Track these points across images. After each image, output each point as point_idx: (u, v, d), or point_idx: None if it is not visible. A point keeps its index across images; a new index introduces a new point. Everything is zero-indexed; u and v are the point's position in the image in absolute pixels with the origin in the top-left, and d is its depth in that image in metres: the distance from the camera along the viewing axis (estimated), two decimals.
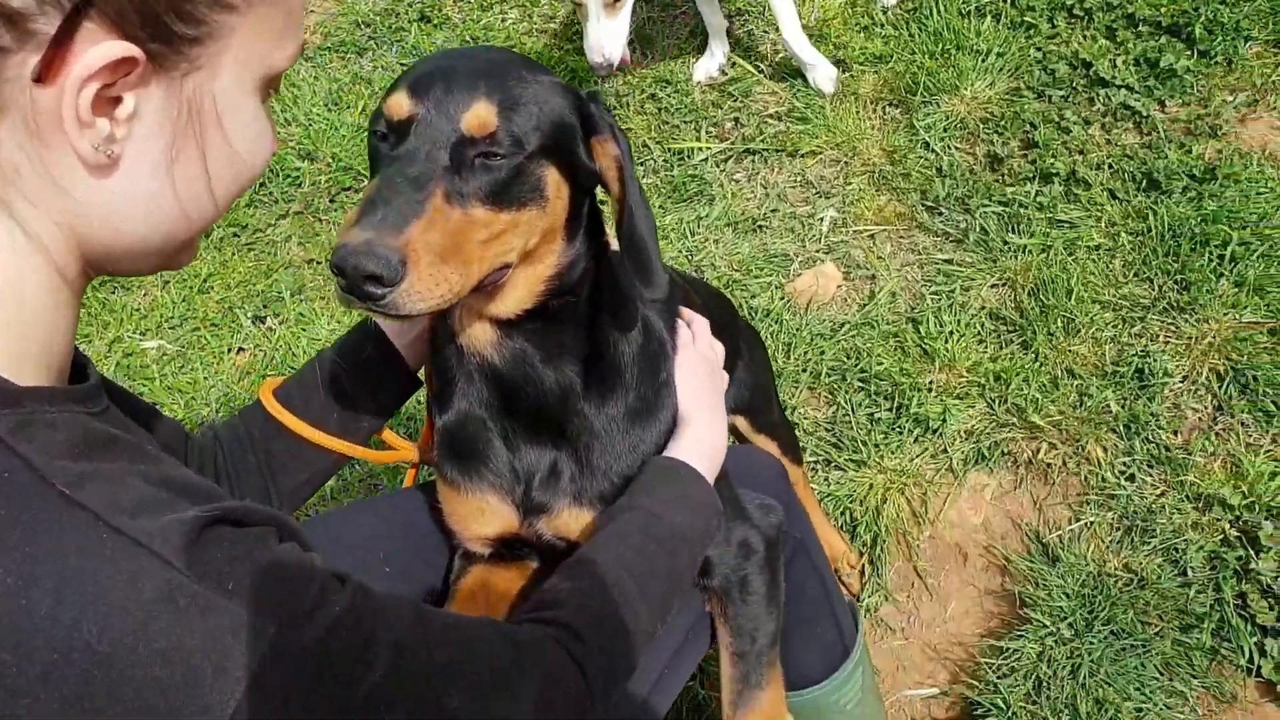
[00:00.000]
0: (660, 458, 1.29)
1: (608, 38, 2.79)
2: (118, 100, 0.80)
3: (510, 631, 1.02)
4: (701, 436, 1.32)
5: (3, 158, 0.79)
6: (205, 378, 2.89)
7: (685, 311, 1.47)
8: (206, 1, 0.81)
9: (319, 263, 3.12)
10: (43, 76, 0.76)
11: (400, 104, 1.03)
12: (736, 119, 3.12)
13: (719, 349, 1.51)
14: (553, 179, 1.09)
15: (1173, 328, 2.40)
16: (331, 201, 3.25)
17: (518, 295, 1.15)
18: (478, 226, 1.01)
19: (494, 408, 1.25)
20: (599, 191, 1.20)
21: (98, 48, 0.76)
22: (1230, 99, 2.78)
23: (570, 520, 1.27)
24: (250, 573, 0.76)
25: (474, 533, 1.31)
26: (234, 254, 3.26)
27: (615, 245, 1.22)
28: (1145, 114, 2.78)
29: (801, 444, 2.42)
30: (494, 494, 1.28)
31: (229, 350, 2.96)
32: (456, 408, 1.27)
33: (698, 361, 1.40)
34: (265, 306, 3.03)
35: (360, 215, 0.95)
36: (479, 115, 1.01)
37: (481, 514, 1.29)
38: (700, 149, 3.06)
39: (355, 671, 0.82)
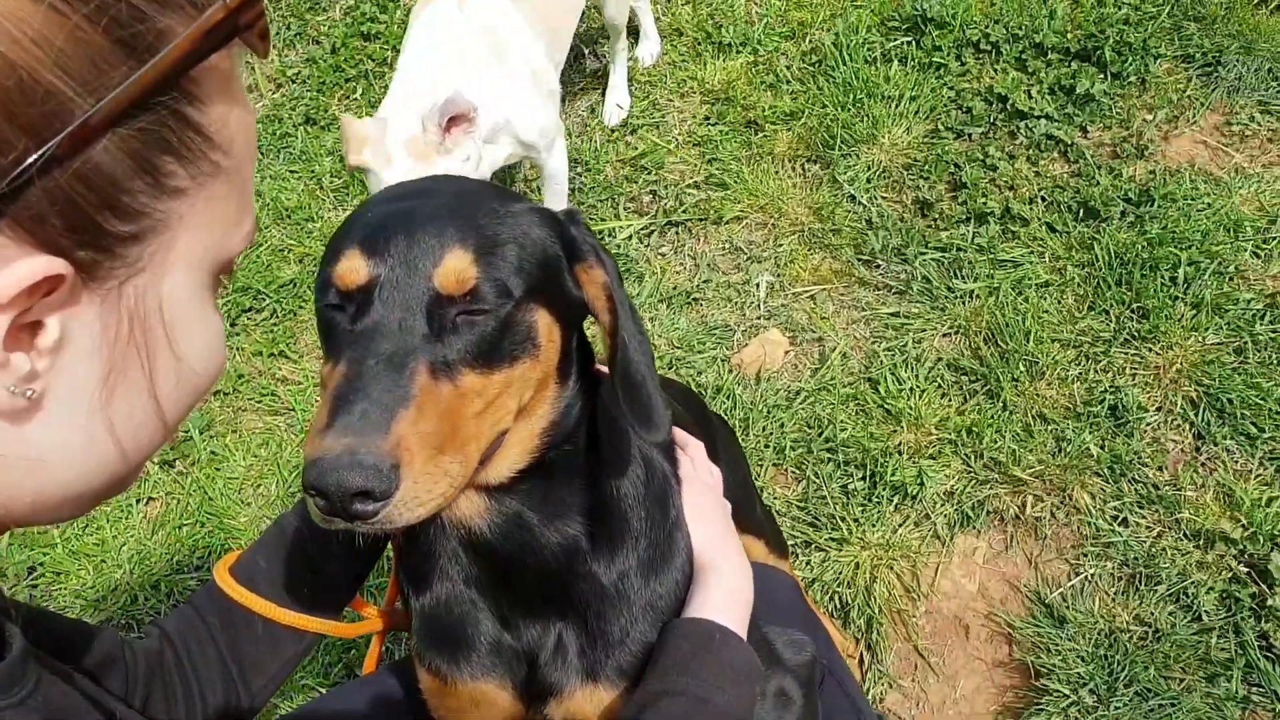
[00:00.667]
0: (689, 620, 1.11)
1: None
2: (38, 326, 0.59)
3: None
4: (729, 586, 1.15)
5: None
6: (114, 536, 2.63)
7: (678, 433, 1.31)
8: (147, 190, 0.61)
9: (225, 393, 2.90)
10: None
11: (355, 269, 0.85)
12: (654, 192, 3.00)
13: (717, 474, 1.36)
14: (544, 323, 0.92)
15: (1138, 358, 2.31)
16: (232, 325, 3.03)
17: (511, 457, 0.97)
18: (471, 398, 0.84)
19: (484, 584, 1.07)
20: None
21: (9, 269, 0.56)
22: (1150, 117, 2.75)
23: (585, 702, 1.08)
24: None
25: None
26: None
27: (604, 369, 1.06)
28: (1069, 142, 2.73)
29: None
30: (491, 682, 1.09)
31: (137, 502, 2.70)
32: (436, 591, 1.08)
33: (705, 494, 1.24)
34: (172, 449, 2.79)
35: (332, 415, 0.77)
36: (455, 269, 0.85)
37: (477, 707, 1.10)
38: (621, 226, 2.92)
39: None
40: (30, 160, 0.53)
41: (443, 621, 1.08)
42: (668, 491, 1.16)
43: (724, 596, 1.12)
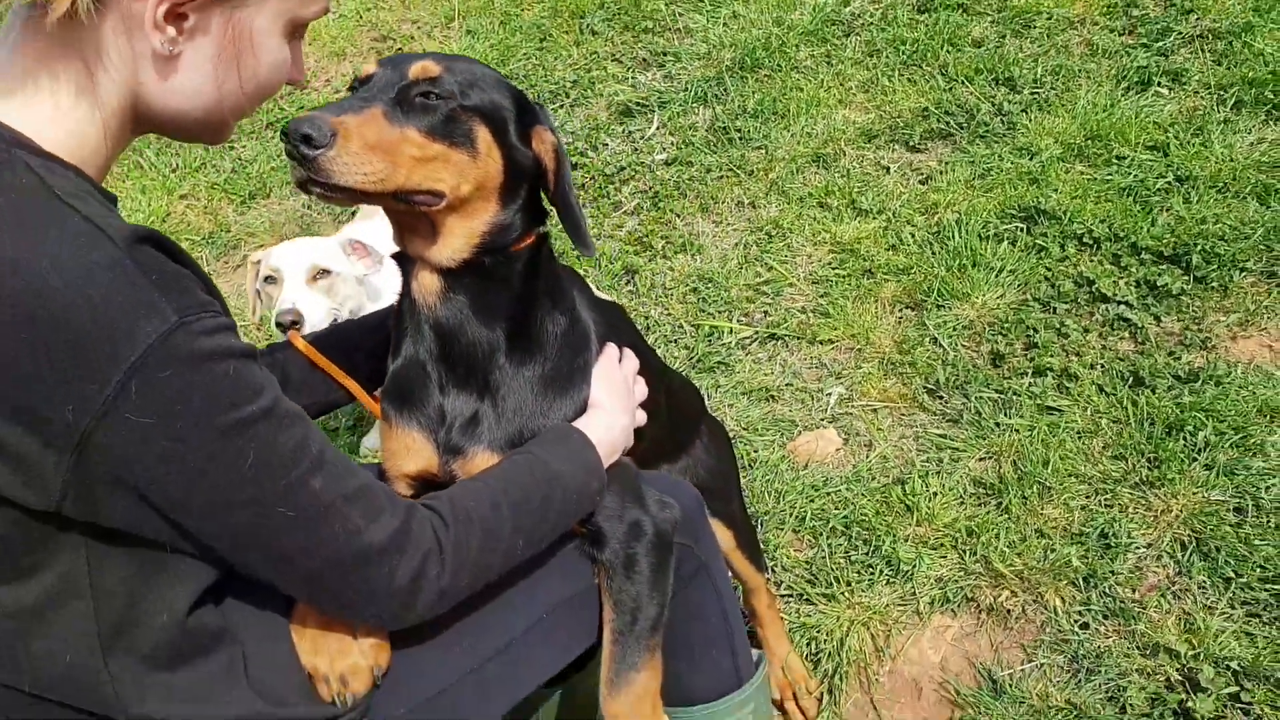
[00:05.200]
0: (561, 424, 1.49)
1: (309, 303, 2.72)
2: (185, 16, 1.14)
3: (393, 492, 1.22)
4: (605, 421, 1.51)
5: (104, 41, 1.11)
6: None
7: (624, 348, 1.69)
8: None
9: None
10: None
11: (368, 66, 1.34)
12: (766, 311, 3.42)
13: (642, 390, 1.70)
14: (484, 135, 1.36)
15: (1142, 500, 2.49)
16: None
17: (455, 243, 1.40)
18: (409, 143, 1.28)
19: (434, 355, 1.47)
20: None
21: None
22: (1223, 319, 2.96)
23: (481, 464, 1.46)
24: (182, 287, 1.01)
25: (399, 469, 1.51)
26: None
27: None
28: (1140, 325, 2.97)
29: (779, 580, 2.54)
30: (420, 433, 1.49)
31: None
32: (405, 354, 1.50)
33: (617, 372, 1.61)
34: None
35: (315, 111, 1.25)
36: (425, 65, 1.32)
37: (407, 451, 1.49)
38: (730, 330, 3.34)
39: (239, 399, 1.03)
40: None
41: (402, 381, 1.49)
42: (584, 344, 1.54)
43: (597, 426, 1.48)
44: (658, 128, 4.40)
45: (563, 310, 1.53)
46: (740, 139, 4.19)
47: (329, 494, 1.11)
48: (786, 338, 3.29)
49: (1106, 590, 2.31)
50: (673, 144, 4.30)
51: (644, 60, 4.75)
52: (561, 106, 4.65)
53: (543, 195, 1.50)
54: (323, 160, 1.19)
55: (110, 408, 0.95)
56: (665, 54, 4.70)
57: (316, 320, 2.71)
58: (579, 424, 1.47)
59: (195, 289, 1.03)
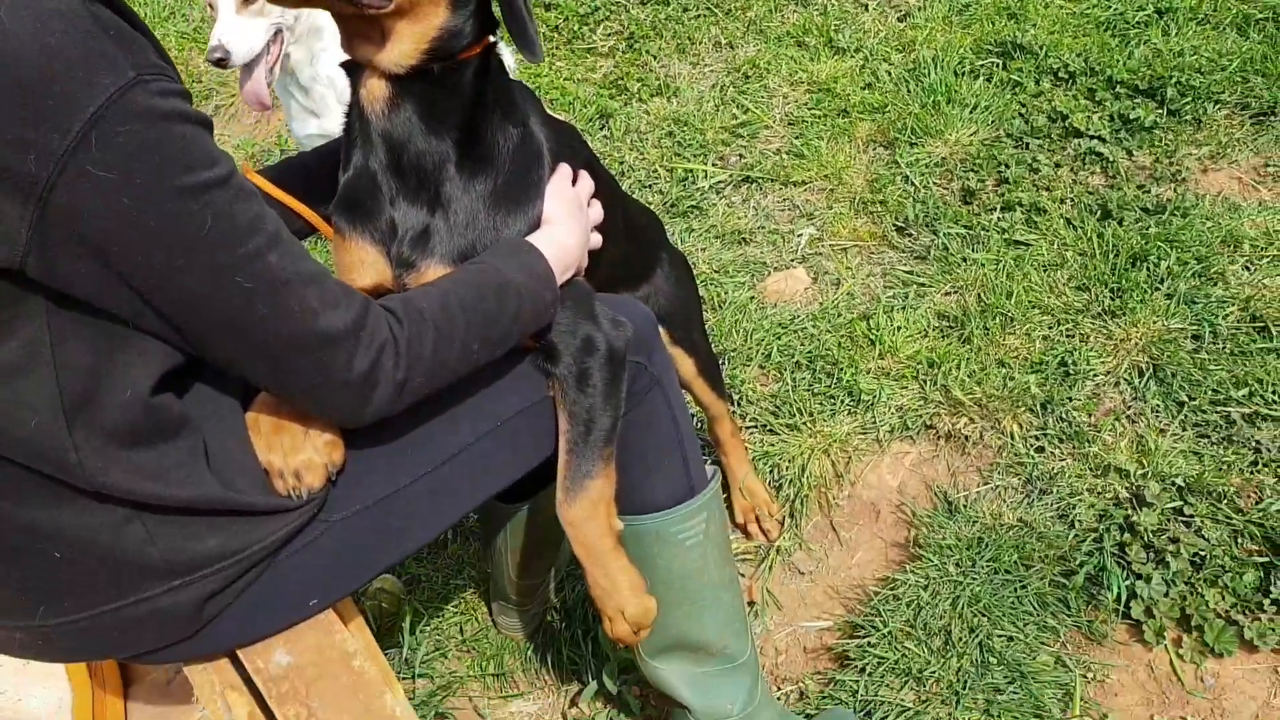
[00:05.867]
0: (514, 237, 1.50)
1: (235, 34, 2.71)
2: None
3: (348, 286, 1.24)
4: (558, 236, 1.52)
5: None
6: None
7: (579, 170, 1.69)
8: None
9: None
10: None
11: None
12: (741, 154, 3.40)
13: (597, 211, 1.70)
14: None
15: (1103, 330, 2.53)
16: None
17: (403, 48, 1.38)
18: None
19: (384, 166, 1.46)
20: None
21: None
22: (1195, 152, 2.95)
23: (432, 277, 1.48)
24: (139, 47, 1.01)
25: (352, 282, 1.52)
26: None
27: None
28: (1112, 159, 2.96)
29: (743, 412, 2.59)
30: (373, 247, 1.50)
31: None
32: (354, 165, 1.50)
33: (570, 190, 1.61)
34: None
35: None
36: None
37: (361, 265, 1.51)
38: (704, 173, 3.33)
39: (195, 164, 1.04)
40: None
41: (353, 193, 1.50)
42: (536, 160, 1.54)
43: (548, 239, 1.50)
44: None
45: (514, 123, 1.52)
46: None
47: (285, 271, 1.12)
48: (760, 180, 3.28)
49: (1063, 416, 2.37)
50: None
51: None
52: None
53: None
54: None
55: (70, 158, 0.96)
56: None
57: (245, 51, 2.74)
58: (532, 238, 1.49)
59: (151, 52, 1.03)
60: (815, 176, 3.23)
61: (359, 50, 1.41)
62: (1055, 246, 2.77)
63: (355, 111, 1.48)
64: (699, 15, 3.96)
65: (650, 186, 3.39)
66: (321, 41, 2.90)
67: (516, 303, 1.40)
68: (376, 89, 1.42)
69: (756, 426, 2.57)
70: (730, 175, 3.33)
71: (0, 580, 1.19)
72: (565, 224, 1.53)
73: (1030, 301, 2.63)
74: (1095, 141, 3.02)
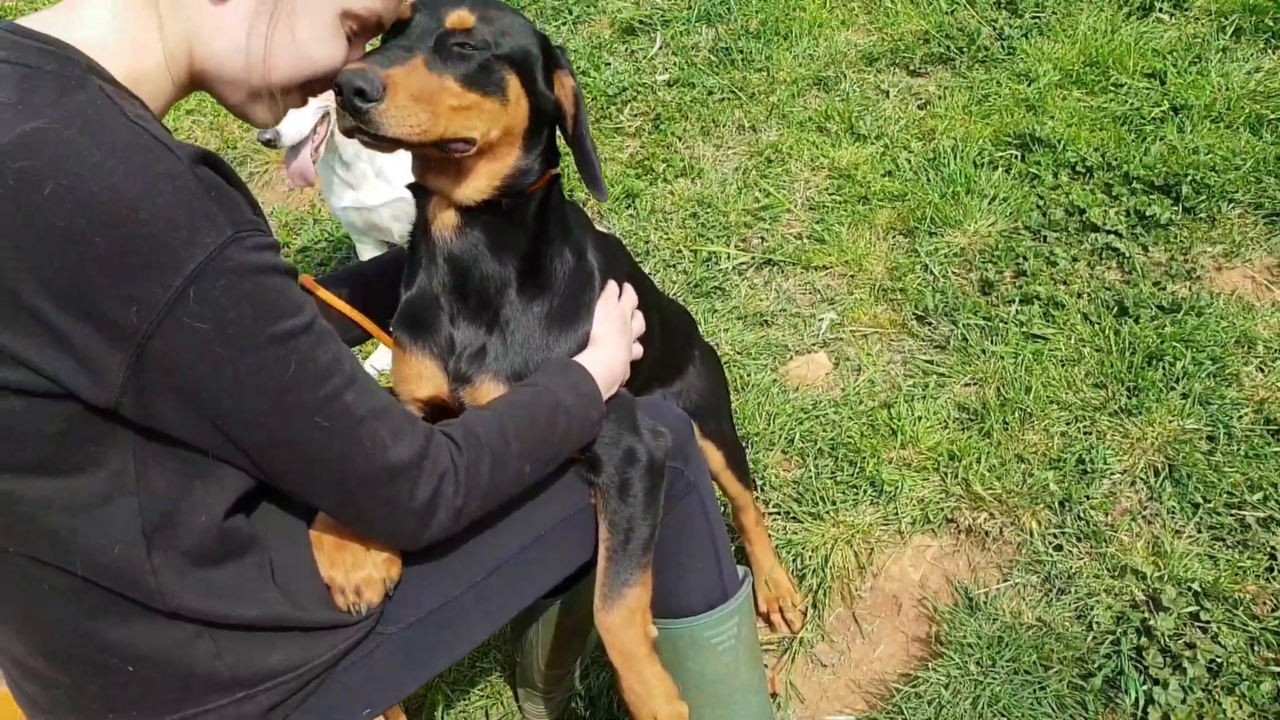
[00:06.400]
0: (563, 357, 1.57)
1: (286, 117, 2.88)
2: None
3: (412, 415, 1.30)
4: (604, 356, 1.60)
5: None
6: None
7: (623, 283, 1.77)
8: None
9: None
10: None
11: (405, 9, 1.39)
12: (763, 237, 3.47)
13: (640, 324, 1.78)
14: (514, 84, 1.43)
15: (1120, 428, 2.58)
16: None
17: (478, 184, 1.47)
18: (448, 93, 1.35)
19: (447, 287, 1.55)
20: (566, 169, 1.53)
21: None
22: (1209, 249, 3.02)
23: (488, 392, 1.54)
24: (236, 205, 1.09)
25: (411, 394, 1.59)
26: None
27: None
28: (1128, 255, 3.03)
29: (767, 498, 2.65)
30: (432, 361, 1.57)
31: None
32: (418, 284, 1.57)
33: (616, 310, 1.68)
34: None
35: (360, 60, 1.30)
36: (460, 15, 1.38)
37: (420, 378, 1.58)
38: (727, 255, 3.41)
39: (284, 313, 1.11)
40: None
41: (414, 310, 1.57)
42: (589, 284, 1.62)
43: (596, 360, 1.57)
44: (660, 47, 4.41)
45: (571, 249, 1.60)
46: (742, 60, 4.21)
47: (360, 409, 1.19)
48: (782, 263, 3.35)
49: (1081, 514, 2.42)
50: (675, 64, 4.31)
51: None
52: (564, 24, 4.65)
53: (559, 136, 1.57)
54: (374, 113, 1.26)
55: (170, 311, 1.03)
56: None
57: (295, 134, 2.82)
58: (580, 358, 1.55)
59: (246, 209, 1.11)
60: (836, 262, 3.30)
61: (433, 181, 1.48)
62: (1073, 342, 2.84)
63: (421, 233, 1.55)
64: (723, 99, 4.06)
65: (674, 266, 3.47)
66: None
67: (566, 423, 1.47)
68: (447, 217, 1.50)
69: (779, 513, 2.62)
70: (753, 258, 3.41)
71: (79, 689, 1.24)
72: (612, 342, 1.60)
73: (1049, 397, 2.69)
74: (1112, 236, 3.09)
